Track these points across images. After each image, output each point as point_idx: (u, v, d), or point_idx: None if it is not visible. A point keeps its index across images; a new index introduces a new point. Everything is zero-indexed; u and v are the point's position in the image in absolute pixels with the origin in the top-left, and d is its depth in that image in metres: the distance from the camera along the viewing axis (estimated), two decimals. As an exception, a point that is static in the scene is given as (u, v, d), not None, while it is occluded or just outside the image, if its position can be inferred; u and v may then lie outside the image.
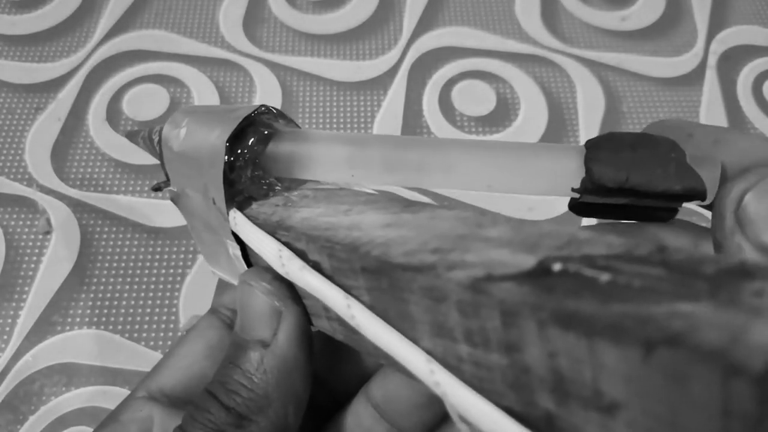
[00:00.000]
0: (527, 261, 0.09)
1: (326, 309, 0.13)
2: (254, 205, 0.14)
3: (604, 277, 0.08)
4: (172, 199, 0.15)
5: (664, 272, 0.08)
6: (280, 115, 0.14)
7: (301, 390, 0.14)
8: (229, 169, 0.13)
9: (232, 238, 0.14)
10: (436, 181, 0.13)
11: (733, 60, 0.32)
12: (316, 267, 0.13)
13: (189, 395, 0.16)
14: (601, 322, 0.08)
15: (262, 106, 0.14)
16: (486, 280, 0.09)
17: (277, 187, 0.14)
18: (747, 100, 0.31)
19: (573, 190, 0.12)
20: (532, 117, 0.30)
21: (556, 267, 0.09)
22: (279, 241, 0.13)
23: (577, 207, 0.12)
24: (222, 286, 0.25)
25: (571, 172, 0.12)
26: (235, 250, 0.14)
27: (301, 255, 0.13)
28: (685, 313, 0.07)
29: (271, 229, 0.13)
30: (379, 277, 0.11)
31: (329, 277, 0.12)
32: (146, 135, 0.16)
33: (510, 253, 0.10)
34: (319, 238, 0.12)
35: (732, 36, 0.33)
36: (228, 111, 0.14)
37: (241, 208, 0.14)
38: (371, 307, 0.12)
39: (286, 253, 0.13)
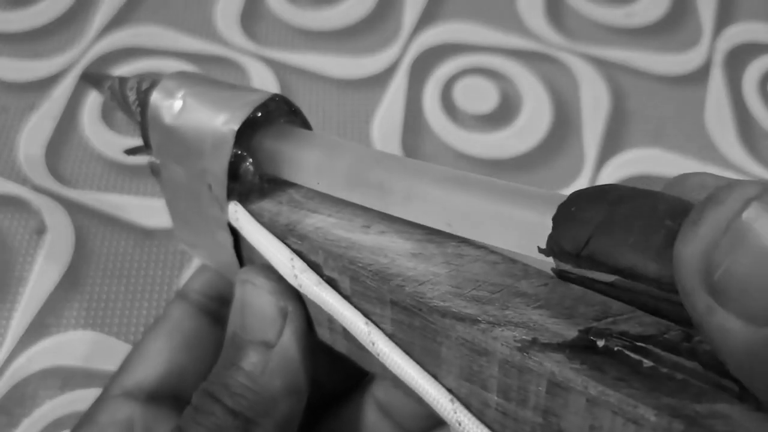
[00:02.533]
0: (569, 331, 0.10)
1: (331, 321, 0.13)
2: (255, 200, 0.13)
3: (647, 363, 0.09)
4: (152, 171, 0.14)
5: (698, 366, 0.09)
6: (289, 106, 0.14)
7: (304, 389, 0.13)
8: (236, 160, 0.13)
9: (226, 228, 0.14)
10: (395, 210, 0.12)
11: (739, 57, 0.31)
12: (332, 284, 0.12)
13: (170, 390, 0.15)
14: (651, 413, 0.08)
15: (275, 95, 0.13)
16: (533, 344, 0.10)
17: (275, 180, 0.14)
18: (753, 98, 0.30)
19: (540, 250, 0.10)
20: (535, 115, 0.29)
21: (600, 343, 0.10)
22: (290, 249, 0.13)
23: (560, 273, 0.10)
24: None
25: (542, 227, 0.10)
26: (225, 240, 0.14)
27: (315, 268, 0.12)
28: (724, 415, 0.08)
29: (281, 233, 0.13)
30: (411, 315, 0.11)
31: (346, 297, 0.12)
32: (116, 87, 0.15)
33: (549, 316, 0.10)
34: (342, 258, 0.12)
35: (738, 33, 0.32)
36: (234, 92, 0.13)
37: (242, 202, 0.13)
38: (392, 336, 0.12)
39: (299, 263, 0.12)
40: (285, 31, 0.31)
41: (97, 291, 0.24)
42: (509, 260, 0.11)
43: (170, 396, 0.15)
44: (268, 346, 0.13)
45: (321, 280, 0.12)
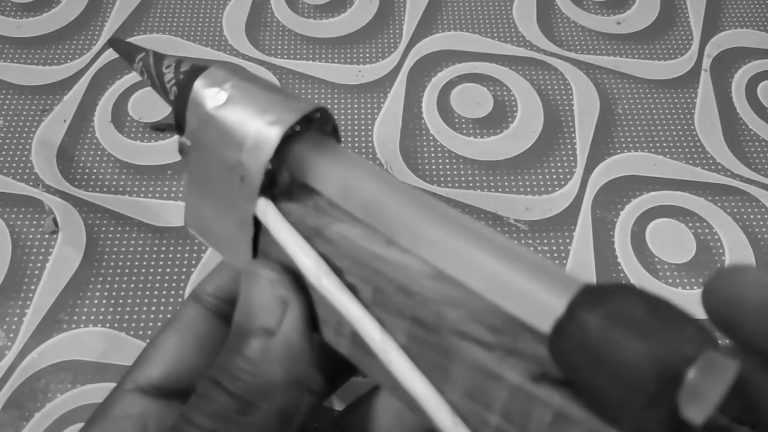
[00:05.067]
0: None
1: (340, 324, 0.13)
2: (283, 200, 0.14)
3: None
4: (181, 150, 0.14)
5: None
6: (328, 118, 0.14)
7: (304, 376, 0.14)
8: (278, 162, 0.13)
9: (250, 221, 0.14)
10: (405, 244, 0.13)
11: (727, 62, 0.32)
12: (352, 290, 0.13)
13: (182, 388, 0.16)
14: None
15: (322, 107, 0.14)
16: (543, 377, 0.10)
17: (302, 185, 0.14)
18: (741, 102, 0.31)
19: (544, 337, 0.10)
20: (528, 119, 0.30)
21: None
22: (316, 251, 0.13)
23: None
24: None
25: (548, 312, 0.10)
26: (245, 233, 0.14)
27: (337, 273, 0.13)
28: None
29: (307, 235, 0.13)
30: (428, 332, 0.11)
31: (365, 305, 0.12)
32: (150, 62, 0.15)
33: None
34: (368, 267, 0.12)
35: (726, 39, 0.33)
36: (282, 96, 0.13)
37: (273, 199, 0.13)
38: (404, 348, 0.12)
39: (323, 266, 0.13)
40: (288, 39, 0.32)
41: (107, 288, 0.25)
42: None
43: (182, 393, 0.16)
44: (269, 333, 0.13)
45: (342, 284, 0.13)
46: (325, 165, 0.13)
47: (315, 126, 0.14)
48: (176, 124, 0.14)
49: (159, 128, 0.15)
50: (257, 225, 0.14)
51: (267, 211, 0.13)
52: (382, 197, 0.13)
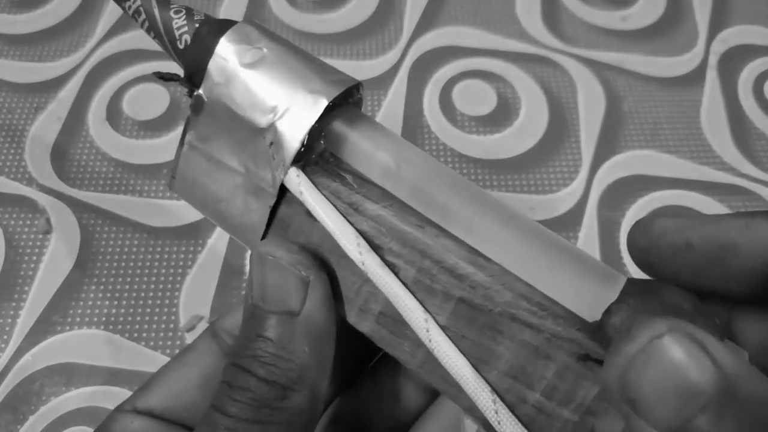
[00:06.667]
0: None
1: (367, 301, 0.13)
2: (312, 172, 0.13)
3: None
4: (194, 105, 0.13)
5: None
6: (359, 94, 0.14)
7: (331, 355, 0.14)
8: (317, 132, 0.13)
9: (273, 191, 0.13)
10: (456, 233, 0.13)
11: (734, 60, 0.32)
12: (392, 269, 0.12)
13: (175, 421, 0.16)
14: None
15: (360, 84, 0.13)
16: (587, 357, 0.11)
17: (331, 159, 0.14)
18: (748, 99, 0.31)
19: (591, 323, 0.12)
20: (532, 116, 0.30)
21: None
22: (354, 227, 0.13)
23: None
24: (220, 295, 0.25)
25: (595, 301, 0.11)
26: (262, 202, 0.13)
27: (376, 250, 0.13)
28: None
29: (343, 210, 0.13)
30: (477, 313, 0.12)
31: (405, 284, 0.12)
32: (152, 4, 0.14)
33: (590, 339, 0.12)
34: (413, 247, 0.12)
35: (733, 36, 0.33)
36: (317, 64, 0.13)
37: (304, 171, 0.13)
38: (445, 328, 0.12)
39: (363, 243, 0.12)
40: (287, 34, 0.32)
41: (102, 290, 0.25)
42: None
43: (178, 424, 0.16)
44: (292, 314, 0.13)
45: (383, 263, 0.12)
46: (369, 144, 0.13)
47: (346, 99, 0.13)
48: (186, 77, 0.14)
49: (165, 77, 0.14)
50: (278, 201, 0.13)
51: (300, 181, 0.13)
52: (430, 183, 0.13)
